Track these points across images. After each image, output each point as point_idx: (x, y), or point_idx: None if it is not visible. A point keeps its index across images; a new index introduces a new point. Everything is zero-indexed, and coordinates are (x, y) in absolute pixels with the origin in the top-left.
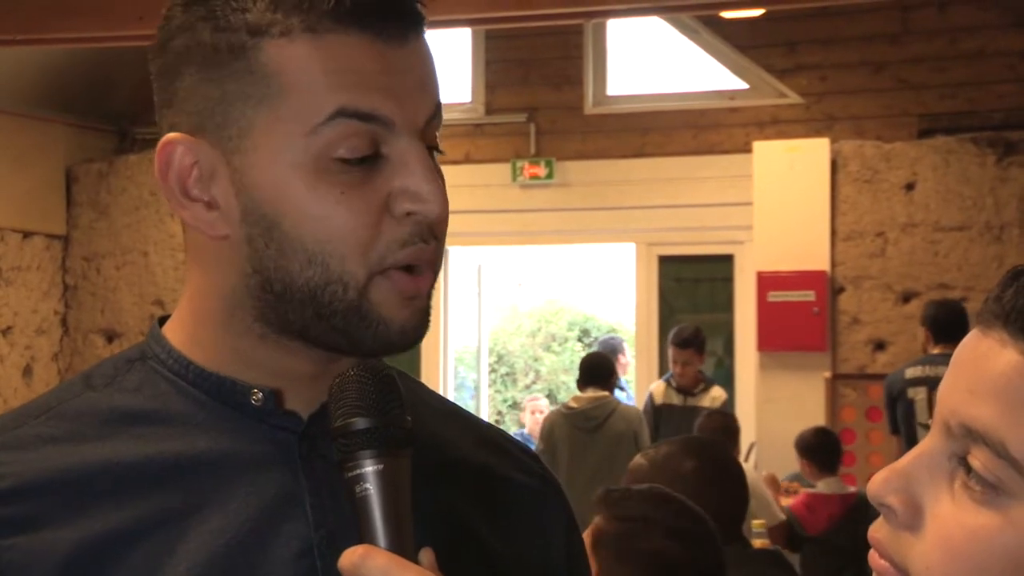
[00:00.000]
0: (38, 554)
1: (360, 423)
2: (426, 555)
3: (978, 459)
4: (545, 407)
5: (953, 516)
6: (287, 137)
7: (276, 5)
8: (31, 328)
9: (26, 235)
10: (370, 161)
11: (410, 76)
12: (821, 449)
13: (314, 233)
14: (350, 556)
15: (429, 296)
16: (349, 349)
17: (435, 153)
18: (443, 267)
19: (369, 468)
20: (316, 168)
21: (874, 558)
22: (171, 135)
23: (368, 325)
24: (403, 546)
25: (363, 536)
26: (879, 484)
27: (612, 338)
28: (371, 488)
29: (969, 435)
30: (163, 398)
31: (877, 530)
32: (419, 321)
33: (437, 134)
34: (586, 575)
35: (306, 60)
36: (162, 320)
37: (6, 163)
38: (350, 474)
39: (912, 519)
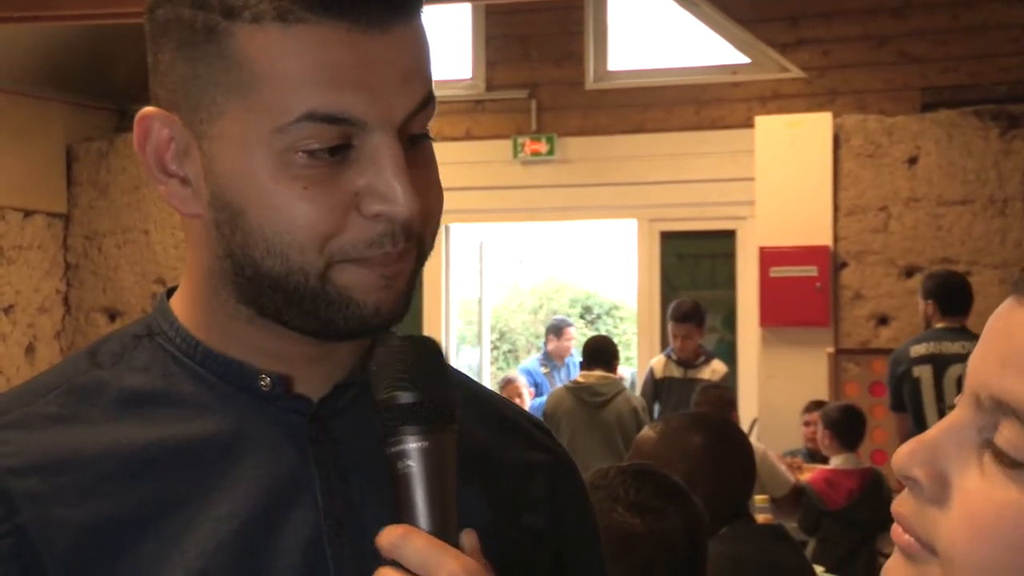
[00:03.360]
0: (50, 534)
1: (404, 397)
2: (468, 537)
3: (1008, 432)
4: (524, 384)
5: (981, 491)
6: (254, 130)
7: None
8: (33, 307)
9: (27, 214)
10: (340, 154)
11: (390, 68)
12: (847, 424)
13: (274, 224)
14: (389, 536)
15: (410, 281)
16: (324, 332)
17: (426, 140)
18: (444, 244)
19: (412, 445)
20: (281, 162)
21: (898, 533)
22: (148, 109)
23: (338, 308)
24: (445, 527)
25: (403, 515)
26: (905, 456)
27: (560, 319)
28: (414, 466)
29: (999, 408)
30: (172, 378)
31: (901, 504)
32: (396, 302)
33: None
34: (599, 549)
35: (276, 51)
36: (170, 292)
37: (6, 142)
38: (392, 450)
39: (938, 493)
